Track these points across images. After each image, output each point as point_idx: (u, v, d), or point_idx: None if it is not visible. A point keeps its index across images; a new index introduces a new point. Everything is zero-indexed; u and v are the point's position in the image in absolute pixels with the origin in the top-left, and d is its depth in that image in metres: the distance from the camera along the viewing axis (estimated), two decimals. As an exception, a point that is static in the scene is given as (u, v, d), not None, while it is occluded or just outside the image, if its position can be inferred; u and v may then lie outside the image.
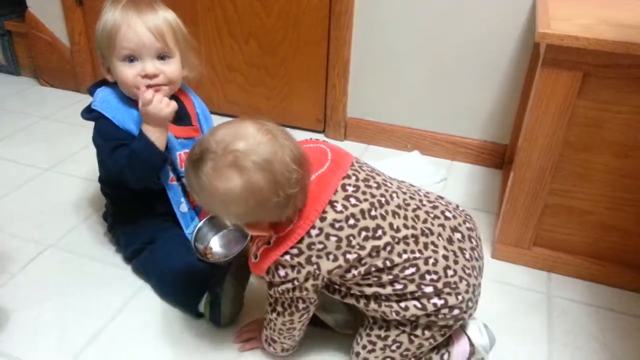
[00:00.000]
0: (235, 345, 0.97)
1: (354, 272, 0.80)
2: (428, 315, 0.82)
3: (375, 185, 0.83)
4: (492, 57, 1.44)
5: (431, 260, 0.81)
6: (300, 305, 0.84)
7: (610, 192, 1.06)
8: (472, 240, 0.88)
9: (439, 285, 0.81)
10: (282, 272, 0.79)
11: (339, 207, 0.78)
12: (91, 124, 1.07)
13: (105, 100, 1.05)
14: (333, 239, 0.77)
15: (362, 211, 0.79)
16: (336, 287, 0.85)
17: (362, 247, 0.78)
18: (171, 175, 1.09)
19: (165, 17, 1.03)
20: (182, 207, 1.11)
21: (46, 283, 1.09)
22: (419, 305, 0.81)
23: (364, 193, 0.80)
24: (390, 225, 0.80)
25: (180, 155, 1.08)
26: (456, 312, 0.83)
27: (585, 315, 1.07)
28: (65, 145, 1.59)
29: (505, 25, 1.39)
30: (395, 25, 1.49)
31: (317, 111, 1.70)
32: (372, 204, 0.80)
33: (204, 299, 0.99)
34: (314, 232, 0.77)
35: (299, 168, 0.74)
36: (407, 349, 0.86)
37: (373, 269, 0.80)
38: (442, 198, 0.91)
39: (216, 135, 0.74)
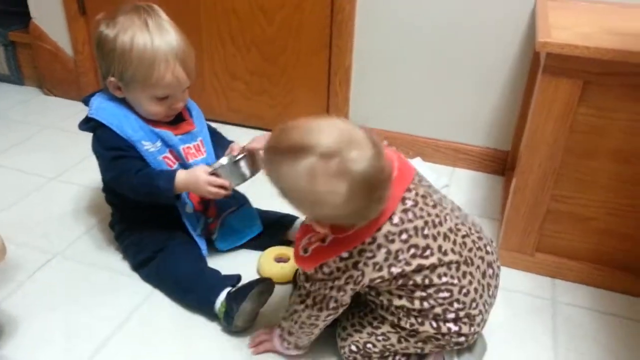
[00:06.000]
0: (245, 352, 0.97)
1: (393, 281, 0.81)
2: (436, 335, 0.83)
3: (432, 203, 0.83)
4: (492, 64, 1.46)
5: (464, 290, 0.83)
6: (331, 305, 0.84)
7: (611, 198, 1.07)
8: (497, 279, 0.91)
9: (461, 314, 0.83)
10: (326, 270, 0.80)
11: (396, 220, 0.79)
12: (95, 132, 1.08)
13: (100, 108, 1.06)
14: (383, 250, 0.78)
15: (415, 228, 0.80)
16: (366, 289, 0.85)
17: (408, 264, 0.79)
18: None
19: (190, 47, 1.04)
20: (187, 208, 1.12)
21: (53, 291, 1.10)
22: (434, 325, 0.83)
23: (421, 209, 0.81)
24: (439, 247, 0.81)
25: (184, 149, 1.10)
26: (462, 339, 0.85)
27: (589, 320, 1.08)
28: (69, 154, 1.60)
29: (506, 33, 1.41)
30: (396, 33, 1.51)
31: (320, 119, 1.71)
32: (426, 222, 0.81)
33: (219, 302, 1.00)
34: (367, 239, 0.78)
35: (389, 185, 0.74)
36: (392, 345, 0.87)
37: (410, 282, 0.81)
38: (481, 230, 0.92)
39: (328, 134, 0.70)
